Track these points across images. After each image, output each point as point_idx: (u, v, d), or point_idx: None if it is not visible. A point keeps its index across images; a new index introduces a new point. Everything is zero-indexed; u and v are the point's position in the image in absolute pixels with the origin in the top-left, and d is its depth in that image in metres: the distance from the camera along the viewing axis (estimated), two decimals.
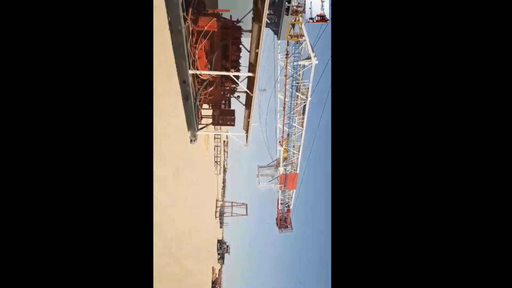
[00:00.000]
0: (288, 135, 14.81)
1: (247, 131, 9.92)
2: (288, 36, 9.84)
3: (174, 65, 7.54)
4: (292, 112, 13.51)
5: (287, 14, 9.22)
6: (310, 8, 8.97)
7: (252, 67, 8.20)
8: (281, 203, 20.57)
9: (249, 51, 8.31)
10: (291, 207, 20.97)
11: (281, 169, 16.95)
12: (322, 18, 9.01)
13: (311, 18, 9.00)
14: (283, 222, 22.10)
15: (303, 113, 13.67)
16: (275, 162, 17.40)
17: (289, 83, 12.35)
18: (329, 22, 9.27)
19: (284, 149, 15.41)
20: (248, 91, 8.81)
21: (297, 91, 12.65)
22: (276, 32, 9.86)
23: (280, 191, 19.30)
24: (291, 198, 20.24)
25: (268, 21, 9.47)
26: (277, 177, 17.73)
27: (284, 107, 13.35)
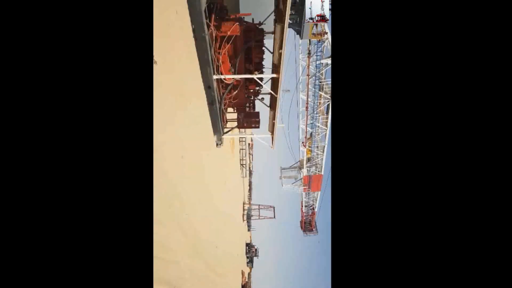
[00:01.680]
0: (311, 135, 14.57)
1: (272, 132, 9.89)
2: (312, 35, 9.72)
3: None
4: (315, 112, 13.30)
5: None
6: (310, 8, 8.86)
7: (275, 68, 8.17)
8: (305, 206, 20.20)
9: (272, 53, 8.30)
10: (315, 209, 20.52)
11: (304, 171, 16.68)
12: (322, 18, 8.87)
13: (311, 18, 8.89)
14: (307, 225, 21.67)
15: (327, 113, 13.40)
16: (298, 163, 17.15)
17: (311, 82, 12.19)
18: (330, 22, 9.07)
19: (308, 149, 15.17)
20: (272, 92, 8.79)
21: (320, 90, 12.44)
22: (299, 32, 9.79)
23: (304, 193, 18.95)
24: (316, 200, 19.80)
25: (290, 21, 9.44)
26: (301, 179, 17.46)
27: (306, 107, 13.19)
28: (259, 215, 44.23)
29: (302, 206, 20.41)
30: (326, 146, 15.05)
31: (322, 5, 8.79)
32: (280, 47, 7.33)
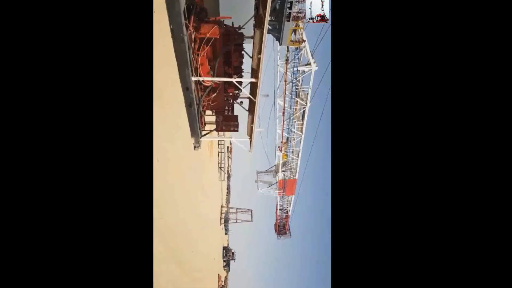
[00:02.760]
0: (287, 140, 14.82)
1: (250, 136, 9.93)
2: (290, 42, 9.92)
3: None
4: (291, 118, 13.55)
5: (289, 20, 9.31)
6: (310, 8, 9.00)
7: (254, 73, 8.24)
8: (280, 209, 20.46)
9: (251, 57, 8.37)
10: (289, 213, 20.81)
11: (280, 175, 16.92)
12: (322, 18, 9.05)
13: (311, 18, 9.03)
14: (281, 228, 21.93)
15: (302, 119, 13.69)
16: (274, 167, 17.38)
17: (288, 88, 12.42)
18: (330, 27, 9.30)
19: (283, 154, 15.43)
20: (251, 97, 8.84)
21: (296, 97, 12.70)
22: (278, 38, 9.95)
23: (279, 197, 19.19)
24: (290, 204, 20.10)
25: (270, 27, 9.57)
26: (276, 183, 17.69)
27: (283, 113, 13.40)
28: (236, 219, 43.94)
29: (276, 210, 20.63)
30: (300, 151, 15.38)
31: (322, 5, 8.92)
32: (259, 52, 7.41)
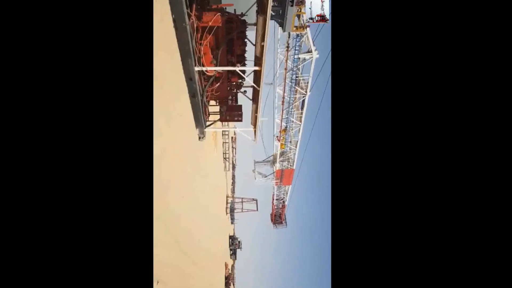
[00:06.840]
0: (286, 128, 14.65)
1: (255, 126, 9.89)
2: (294, 28, 9.73)
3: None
4: (290, 107, 13.32)
5: (292, 5, 9.11)
6: (310, 8, 8.87)
7: (258, 60, 8.13)
8: (276, 199, 20.57)
9: (254, 45, 8.23)
10: (286, 202, 20.96)
11: (277, 165, 16.90)
12: (322, 18, 8.93)
13: (311, 18, 8.92)
14: (277, 218, 22.19)
15: (302, 108, 13.47)
16: (272, 157, 17.32)
17: (288, 77, 12.15)
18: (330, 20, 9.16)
19: (281, 143, 15.31)
20: (255, 85, 8.75)
21: (296, 85, 12.45)
22: (281, 24, 9.76)
23: (276, 187, 19.22)
24: (287, 193, 20.18)
25: (273, 13, 9.37)
26: (273, 173, 17.71)
27: (282, 102, 13.18)
28: (242, 208, 44.43)
29: (273, 200, 20.75)
30: (299, 141, 15.26)
31: (322, 5, 8.80)
32: (262, 39, 7.28)
